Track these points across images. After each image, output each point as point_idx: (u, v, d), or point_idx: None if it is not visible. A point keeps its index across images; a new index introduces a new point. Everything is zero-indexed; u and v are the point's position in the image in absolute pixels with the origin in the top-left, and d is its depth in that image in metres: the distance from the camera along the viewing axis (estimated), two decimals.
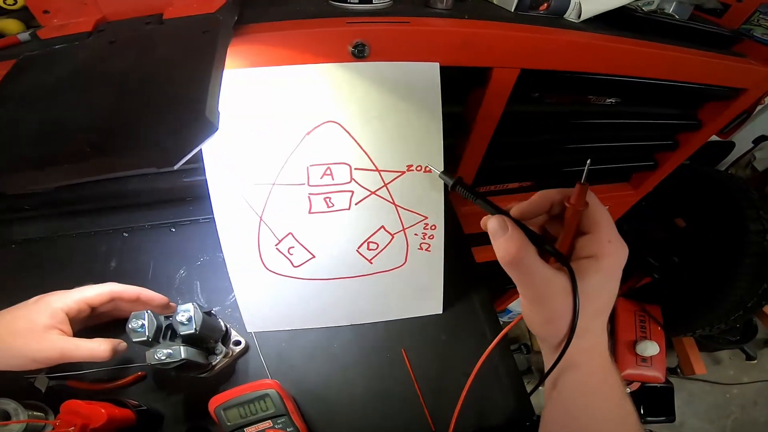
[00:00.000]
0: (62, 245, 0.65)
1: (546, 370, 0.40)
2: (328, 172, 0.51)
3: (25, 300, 0.51)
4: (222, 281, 0.62)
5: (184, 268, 0.63)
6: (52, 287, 0.54)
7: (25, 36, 0.46)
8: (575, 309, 0.34)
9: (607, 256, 0.35)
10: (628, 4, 0.52)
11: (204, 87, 0.33)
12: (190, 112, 0.32)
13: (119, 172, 0.32)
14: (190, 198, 0.68)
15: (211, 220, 0.66)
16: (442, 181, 0.53)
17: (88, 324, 0.54)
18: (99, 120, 0.32)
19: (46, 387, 0.55)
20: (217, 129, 0.33)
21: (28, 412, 0.50)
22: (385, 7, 0.53)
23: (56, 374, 0.54)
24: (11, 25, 0.49)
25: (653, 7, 0.55)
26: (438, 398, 0.58)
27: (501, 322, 0.64)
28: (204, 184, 0.63)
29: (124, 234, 0.66)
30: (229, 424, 0.51)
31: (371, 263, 0.57)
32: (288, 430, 0.52)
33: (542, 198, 0.37)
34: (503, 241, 0.35)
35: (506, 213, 0.38)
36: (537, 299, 0.36)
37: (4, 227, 0.66)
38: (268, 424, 0.52)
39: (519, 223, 0.36)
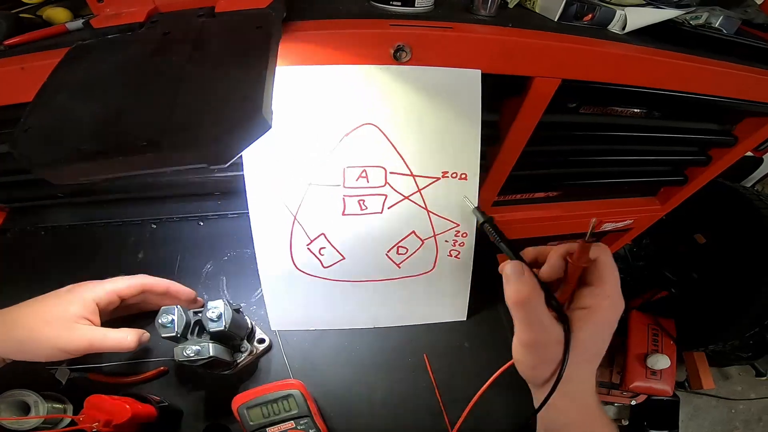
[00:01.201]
0: (91, 234, 0.66)
1: (535, 404, 0.42)
2: (364, 174, 0.51)
3: (52, 287, 0.52)
4: (248, 278, 0.63)
5: (210, 262, 0.64)
6: (80, 275, 0.54)
7: (74, 24, 0.47)
8: (564, 359, 0.37)
9: (602, 311, 0.37)
10: (675, 17, 0.52)
11: (260, 85, 0.33)
12: (246, 111, 0.32)
13: (172, 167, 0.32)
14: (218, 193, 0.68)
15: (239, 216, 0.67)
16: (476, 189, 0.54)
17: (115, 315, 0.55)
18: (155, 114, 0.32)
19: (66, 379, 0.55)
20: (271, 128, 0.33)
21: (48, 405, 0.50)
22: (427, 11, 0.53)
23: (78, 366, 0.54)
24: (59, 14, 0.50)
25: (701, 21, 0.54)
26: (458, 405, 0.57)
27: None
28: (234, 179, 0.64)
29: (153, 225, 0.66)
30: (251, 423, 0.51)
31: (399, 267, 0.57)
32: (310, 431, 0.51)
33: (556, 255, 0.40)
34: (518, 283, 0.38)
35: (523, 260, 0.41)
36: (532, 343, 0.39)
37: (34, 213, 0.67)
38: (290, 425, 0.51)
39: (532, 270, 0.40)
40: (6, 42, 0.49)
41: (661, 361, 1.31)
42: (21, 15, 0.52)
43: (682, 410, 1.63)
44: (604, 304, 0.37)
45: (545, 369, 0.39)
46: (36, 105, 0.36)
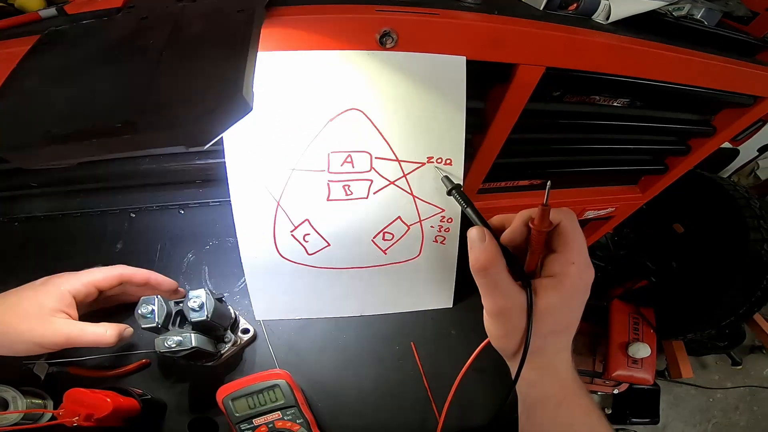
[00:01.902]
0: (67, 224, 0.64)
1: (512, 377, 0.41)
2: (349, 159, 0.50)
3: (26, 279, 0.50)
4: (231, 267, 0.62)
5: (192, 251, 0.62)
6: (56, 267, 0.52)
7: (48, 12, 0.45)
8: (528, 327, 0.36)
9: (569, 277, 0.36)
10: (659, 8, 0.52)
11: (241, 66, 0.32)
12: (227, 92, 0.31)
13: (148, 149, 0.31)
14: (199, 181, 0.66)
15: (221, 204, 0.66)
16: (461, 174, 0.54)
17: (94, 307, 0.53)
18: (131, 96, 0.31)
19: (45, 374, 0.53)
20: (252, 110, 0.32)
21: (27, 400, 0.48)
22: None
23: (57, 360, 0.53)
24: (32, 2, 0.48)
25: (683, 12, 0.55)
26: (446, 392, 0.57)
27: None
28: (216, 167, 0.63)
29: (132, 215, 0.64)
30: (237, 414, 0.50)
31: (385, 254, 0.57)
32: (297, 421, 0.51)
33: (519, 220, 0.38)
34: (478, 249, 0.37)
35: (489, 227, 0.40)
36: (496, 312, 0.38)
37: (7, 203, 0.64)
38: (277, 415, 0.51)
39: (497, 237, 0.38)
40: None
41: (642, 350, 1.34)
42: None
43: (662, 399, 1.67)
44: (569, 271, 0.36)
45: (513, 339, 0.38)
46: (4, 91, 0.34)
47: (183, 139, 0.30)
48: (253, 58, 0.34)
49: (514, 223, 0.38)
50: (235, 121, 0.32)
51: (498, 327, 0.39)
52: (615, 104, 0.63)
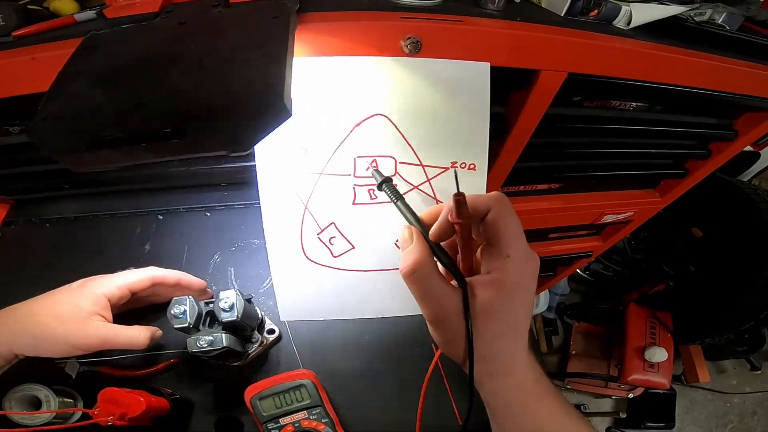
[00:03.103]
0: (96, 225, 0.66)
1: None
2: (374, 164, 0.51)
3: (58, 279, 0.51)
4: (256, 268, 0.63)
5: (218, 253, 0.64)
6: (87, 268, 0.54)
7: (84, 15, 0.47)
8: (467, 332, 0.32)
9: (505, 272, 0.33)
10: (680, 13, 0.53)
11: (281, 73, 0.33)
12: (268, 98, 0.32)
13: (194, 154, 0.32)
14: (224, 184, 0.68)
15: (246, 207, 0.67)
16: (485, 180, 0.54)
17: (124, 309, 0.54)
18: (176, 102, 0.32)
19: (76, 373, 0.55)
20: (291, 116, 0.33)
21: (58, 399, 0.50)
22: (436, 4, 0.54)
23: (88, 359, 0.54)
24: (66, 6, 0.50)
25: (705, 17, 0.56)
26: (466, 394, 0.58)
27: None
28: (240, 170, 0.64)
29: (159, 216, 0.66)
30: (264, 414, 0.51)
31: None
32: (323, 421, 0.52)
33: (446, 211, 0.35)
34: (405, 252, 0.34)
35: (421, 223, 0.37)
36: (432, 320, 0.35)
37: (39, 205, 0.66)
38: (303, 414, 0.52)
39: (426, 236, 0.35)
40: (14, 33, 0.49)
41: (659, 354, 1.34)
42: (28, 6, 0.52)
43: (678, 404, 1.66)
44: (505, 266, 0.32)
45: (458, 346, 0.34)
46: (53, 93, 0.36)
47: (228, 145, 0.31)
48: (291, 64, 0.36)
49: (440, 217, 0.34)
50: (276, 127, 0.33)
51: (439, 334, 0.36)
52: (634, 108, 0.64)
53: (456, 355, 0.36)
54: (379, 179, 0.46)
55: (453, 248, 0.39)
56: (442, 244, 0.37)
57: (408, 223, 0.38)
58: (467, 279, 0.34)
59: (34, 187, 0.65)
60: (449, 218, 0.33)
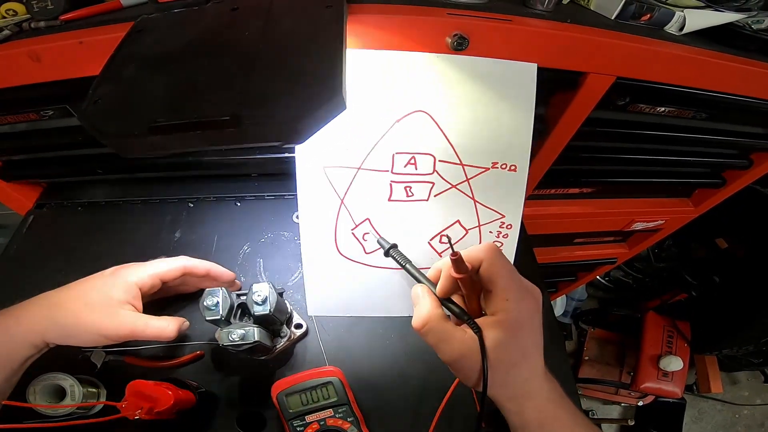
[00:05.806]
0: (127, 211, 0.66)
1: None
2: (413, 161, 0.51)
3: (89, 264, 0.51)
4: (285, 261, 0.63)
5: (248, 244, 0.63)
6: (117, 253, 0.54)
7: (130, 0, 0.46)
8: (484, 368, 0.37)
9: (507, 313, 0.37)
10: (736, 20, 0.51)
11: (337, 64, 0.32)
12: (325, 90, 0.31)
13: (248, 144, 0.31)
14: (256, 174, 0.68)
15: (277, 198, 0.67)
16: (525, 181, 0.53)
17: (153, 298, 0.54)
18: (231, 89, 0.32)
19: (102, 362, 0.54)
20: (346, 108, 0.33)
21: (83, 389, 0.49)
22: (483, 2, 0.52)
23: (114, 349, 0.53)
24: None
25: (763, 25, 0.54)
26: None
27: None
28: (272, 162, 0.64)
29: (190, 204, 0.66)
30: (290, 411, 0.50)
31: (441, 257, 0.57)
32: (348, 419, 0.51)
33: (446, 270, 0.39)
34: (416, 310, 0.40)
35: (429, 281, 0.42)
36: (450, 361, 0.39)
37: (71, 189, 0.67)
38: (329, 412, 0.51)
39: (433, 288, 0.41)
40: (62, 17, 0.49)
41: (674, 363, 1.32)
42: None
43: (687, 413, 1.64)
44: (507, 307, 0.37)
45: (476, 378, 0.38)
46: (105, 77, 0.36)
47: (283, 135, 0.31)
48: (345, 54, 0.35)
49: (442, 276, 0.40)
50: (331, 119, 0.32)
51: (459, 371, 0.39)
52: (678, 115, 0.62)
53: (475, 385, 0.39)
54: (387, 246, 0.49)
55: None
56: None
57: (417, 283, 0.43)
58: (476, 320, 0.39)
59: (67, 171, 0.66)
60: (452, 275, 0.38)
